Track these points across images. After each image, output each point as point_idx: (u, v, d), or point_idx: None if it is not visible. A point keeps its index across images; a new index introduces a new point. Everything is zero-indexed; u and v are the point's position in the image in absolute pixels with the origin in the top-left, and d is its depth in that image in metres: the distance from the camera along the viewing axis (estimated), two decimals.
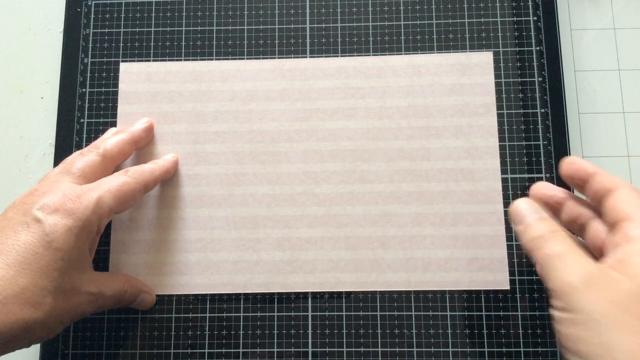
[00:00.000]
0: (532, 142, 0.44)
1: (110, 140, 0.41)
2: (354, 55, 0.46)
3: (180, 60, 0.46)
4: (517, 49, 0.45)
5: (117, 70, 0.46)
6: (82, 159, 0.39)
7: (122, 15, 0.47)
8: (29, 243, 0.33)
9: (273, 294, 0.43)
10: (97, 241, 0.40)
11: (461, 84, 0.45)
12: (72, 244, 0.35)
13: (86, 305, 0.36)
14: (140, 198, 0.42)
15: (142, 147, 0.45)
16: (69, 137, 0.46)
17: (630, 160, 0.44)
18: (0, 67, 0.48)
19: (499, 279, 0.42)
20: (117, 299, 0.39)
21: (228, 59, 0.46)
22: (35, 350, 0.43)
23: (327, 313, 0.43)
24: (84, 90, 0.46)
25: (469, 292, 0.42)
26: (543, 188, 0.37)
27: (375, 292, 0.43)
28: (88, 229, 0.36)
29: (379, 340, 0.42)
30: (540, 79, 0.45)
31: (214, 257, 0.43)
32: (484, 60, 0.45)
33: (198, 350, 0.42)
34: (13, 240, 0.33)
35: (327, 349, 0.42)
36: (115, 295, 0.39)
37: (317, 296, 0.43)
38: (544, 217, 0.34)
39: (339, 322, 0.42)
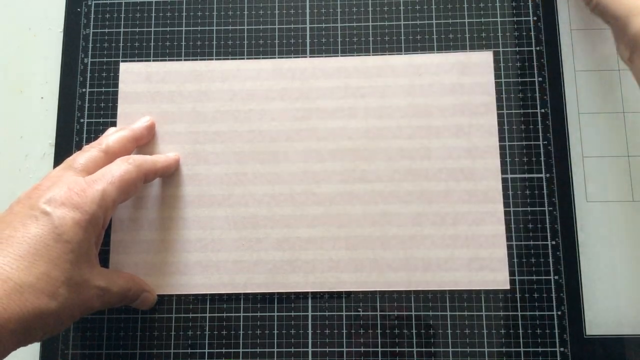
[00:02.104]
0: (532, 142, 0.44)
1: (112, 136, 0.42)
2: (354, 55, 0.46)
3: (180, 60, 0.46)
4: (517, 49, 0.45)
5: (117, 70, 0.46)
6: (84, 154, 0.40)
7: (122, 15, 0.47)
8: (39, 235, 0.34)
9: (273, 294, 0.43)
10: (102, 236, 0.40)
11: (461, 83, 0.45)
12: (80, 237, 0.35)
13: (95, 299, 0.37)
14: (141, 187, 0.42)
15: (143, 146, 0.45)
16: (69, 137, 0.46)
17: (630, 160, 0.44)
18: (0, 67, 0.48)
19: (499, 278, 0.42)
20: (122, 296, 0.40)
21: (228, 59, 0.46)
22: (35, 350, 0.43)
23: (327, 313, 0.43)
24: (84, 90, 0.46)
25: (469, 292, 0.42)
26: None
27: (375, 292, 0.43)
28: (94, 223, 0.36)
29: (379, 340, 0.42)
30: (540, 79, 0.45)
31: (214, 257, 0.43)
32: (484, 59, 0.45)
33: (198, 350, 0.42)
34: (23, 233, 0.34)
35: (327, 349, 0.42)
36: (120, 292, 0.39)
37: (317, 296, 0.43)
38: None
39: (339, 322, 0.42)
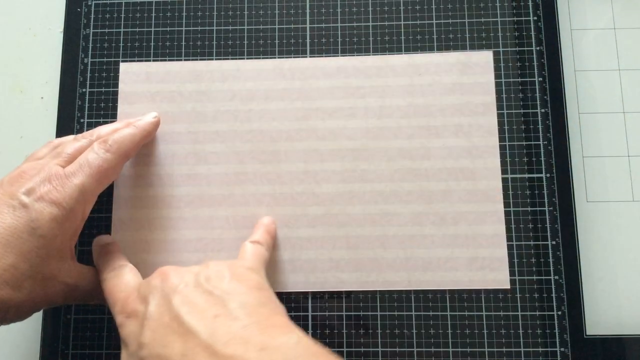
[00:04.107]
0: (532, 142, 0.44)
1: (106, 128, 0.42)
2: (354, 55, 0.46)
3: (180, 60, 0.46)
4: (517, 49, 0.45)
5: (117, 70, 0.46)
6: (75, 144, 0.39)
7: (122, 15, 0.47)
8: (14, 227, 0.34)
9: None
10: (80, 228, 0.39)
11: (461, 83, 0.45)
12: (55, 233, 0.35)
13: (59, 295, 0.37)
14: (122, 168, 0.41)
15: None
16: None
17: (630, 160, 0.44)
18: (0, 67, 0.48)
19: (499, 278, 0.42)
20: (92, 293, 0.39)
21: (228, 59, 0.46)
22: (35, 350, 0.43)
23: (327, 313, 0.43)
24: (84, 90, 0.46)
25: (469, 292, 0.42)
26: None
27: (376, 291, 0.43)
28: (72, 218, 0.36)
29: (379, 340, 0.42)
30: (540, 79, 0.45)
31: (214, 256, 0.43)
32: (483, 59, 0.45)
33: None
34: None
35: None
36: (89, 290, 0.39)
37: (317, 296, 0.43)
38: None
39: (339, 322, 0.42)
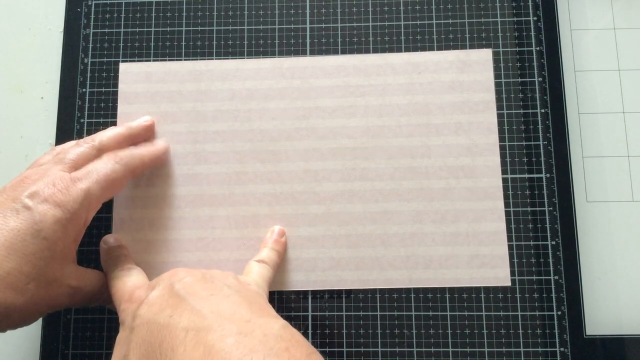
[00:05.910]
0: (532, 142, 0.44)
1: (107, 133, 0.42)
2: (353, 54, 0.46)
3: (180, 60, 0.46)
4: (517, 49, 0.45)
5: (117, 70, 0.46)
6: (76, 150, 0.39)
7: (122, 15, 0.47)
8: (17, 229, 0.34)
9: (273, 292, 0.43)
10: (82, 233, 0.39)
11: (460, 81, 0.45)
12: (59, 235, 0.35)
13: (64, 297, 0.37)
14: (127, 183, 0.42)
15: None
16: (69, 137, 0.46)
17: (630, 160, 0.44)
18: (0, 67, 0.48)
19: (500, 275, 0.42)
20: (95, 296, 0.39)
21: (228, 59, 0.46)
22: (35, 350, 0.43)
23: (327, 313, 0.43)
24: (84, 90, 0.46)
25: (469, 291, 0.42)
26: None
27: (376, 291, 0.43)
28: (75, 222, 0.36)
29: (379, 340, 0.42)
30: (540, 79, 0.45)
31: (215, 256, 0.43)
32: (482, 57, 0.45)
33: None
34: (1, 225, 0.34)
35: (328, 349, 0.42)
36: (93, 292, 0.39)
37: (317, 295, 0.43)
38: None
39: (339, 322, 0.42)
